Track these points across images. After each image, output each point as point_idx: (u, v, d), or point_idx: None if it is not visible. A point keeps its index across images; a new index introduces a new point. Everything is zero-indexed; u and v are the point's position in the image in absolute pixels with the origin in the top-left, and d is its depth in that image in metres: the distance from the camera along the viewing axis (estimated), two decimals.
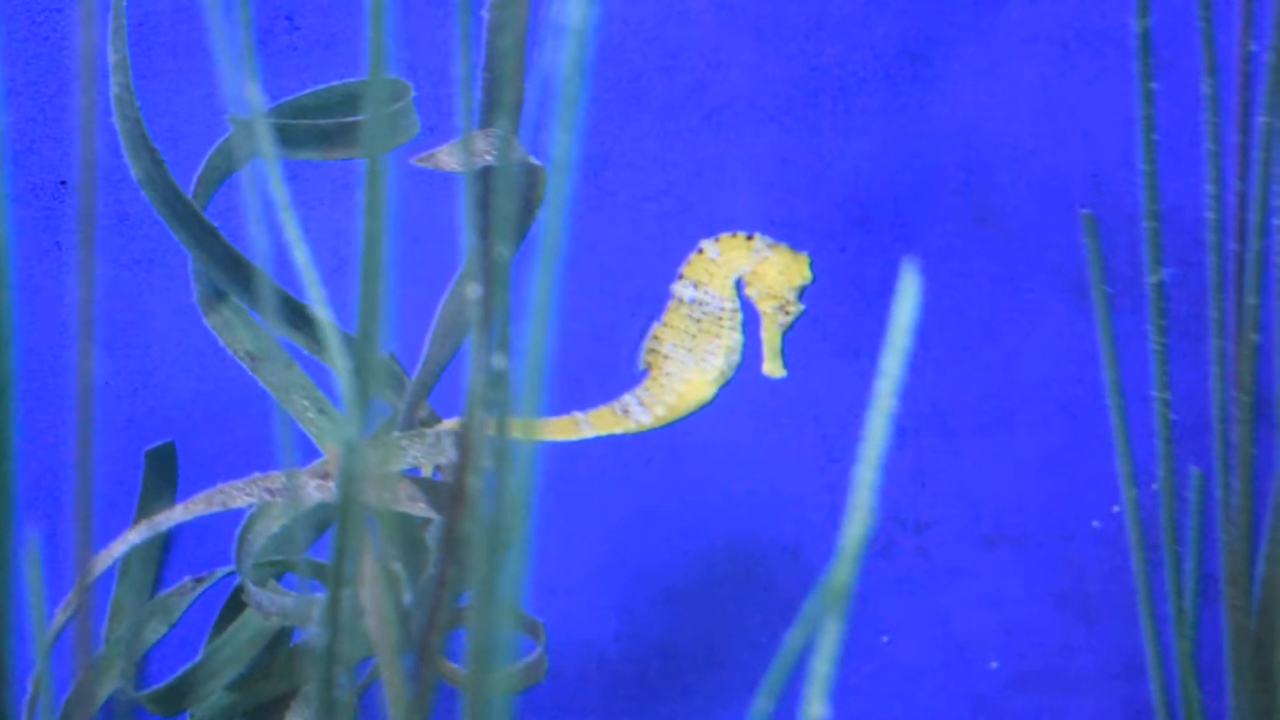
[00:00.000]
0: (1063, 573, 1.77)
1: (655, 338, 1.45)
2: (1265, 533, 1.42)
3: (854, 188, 1.80)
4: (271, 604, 1.39)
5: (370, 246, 1.11)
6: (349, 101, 1.49)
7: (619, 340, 1.80)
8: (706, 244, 1.43)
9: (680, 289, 1.43)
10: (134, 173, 1.41)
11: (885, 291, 1.81)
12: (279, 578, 1.51)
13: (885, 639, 1.79)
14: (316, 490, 1.32)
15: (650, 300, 1.81)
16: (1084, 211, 1.37)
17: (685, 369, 1.45)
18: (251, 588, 1.39)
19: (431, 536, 1.46)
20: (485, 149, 1.35)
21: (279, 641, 1.50)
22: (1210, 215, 1.39)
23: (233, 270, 1.43)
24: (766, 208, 1.80)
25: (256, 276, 1.44)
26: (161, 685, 1.48)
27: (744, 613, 1.80)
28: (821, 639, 0.92)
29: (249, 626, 1.47)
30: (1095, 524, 1.76)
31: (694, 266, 1.43)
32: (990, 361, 1.79)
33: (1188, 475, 1.35)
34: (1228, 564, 1.36)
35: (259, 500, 1.33)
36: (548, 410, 1.48)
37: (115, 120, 1.41)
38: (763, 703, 0.92)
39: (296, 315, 1.46)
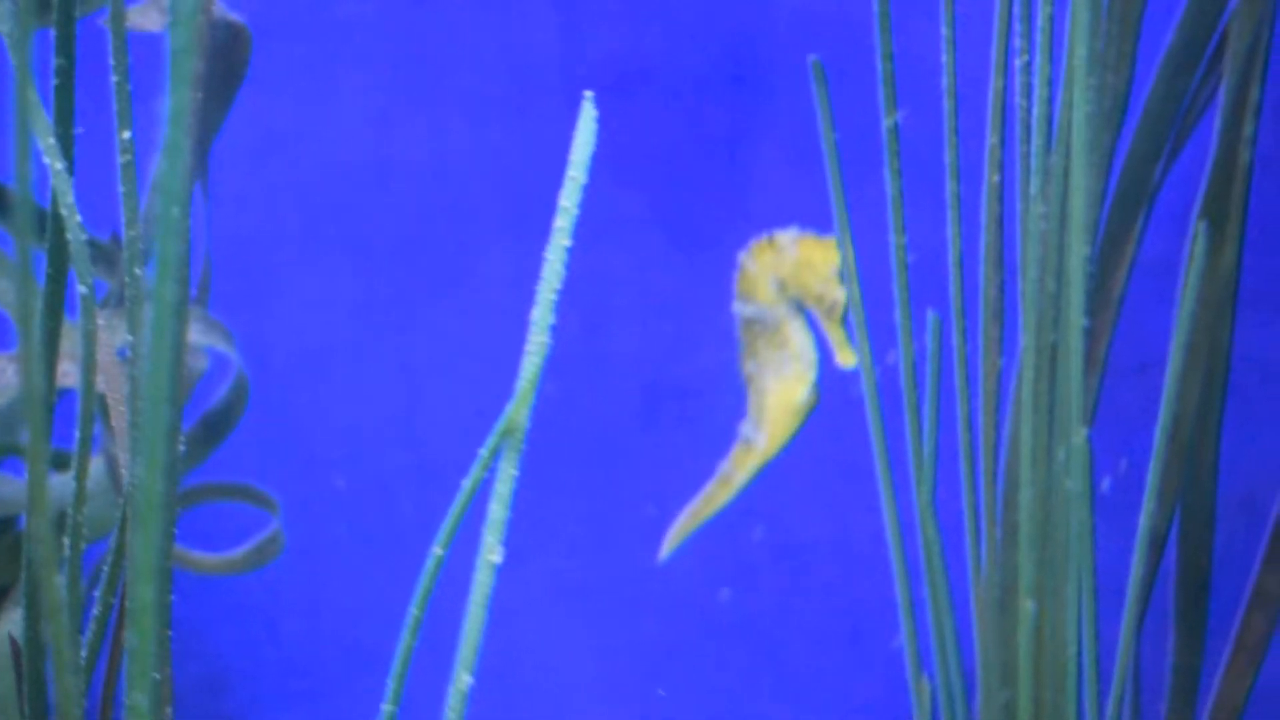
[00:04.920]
0: (827, 439, 1.75)
1: (742, 361, 1.45)
2: (1011, 385, 1.39)
3: (609, 53, 1.75)
4: None
5: (61, 115, 1.05)
6: None
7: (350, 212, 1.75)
8: (743, 256, 1.42)
9: (738, 308, 1.43)
10: None
11: (643, 158, 1.77)
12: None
13: (651, 510, 1.76)
14: (16, 376, 1.26)
15: (408, 171, 1.76)
16: (812, 58, 1.33)
17: (769, 381, 1.46)
18: None
19: None
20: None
21: (3, 531, 1.43)
22: (945, 58, 1.35)
23: None
24: (520, 74, 1.75)
25: None
26: None
27: None
28: (498, 481, 0.88)
29: None
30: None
31: (741, 284, 1.42)
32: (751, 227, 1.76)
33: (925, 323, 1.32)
34: (966, 413, 1.33)
35: None
36: None
37: None
38: (437, 551, 0.88)
39: None
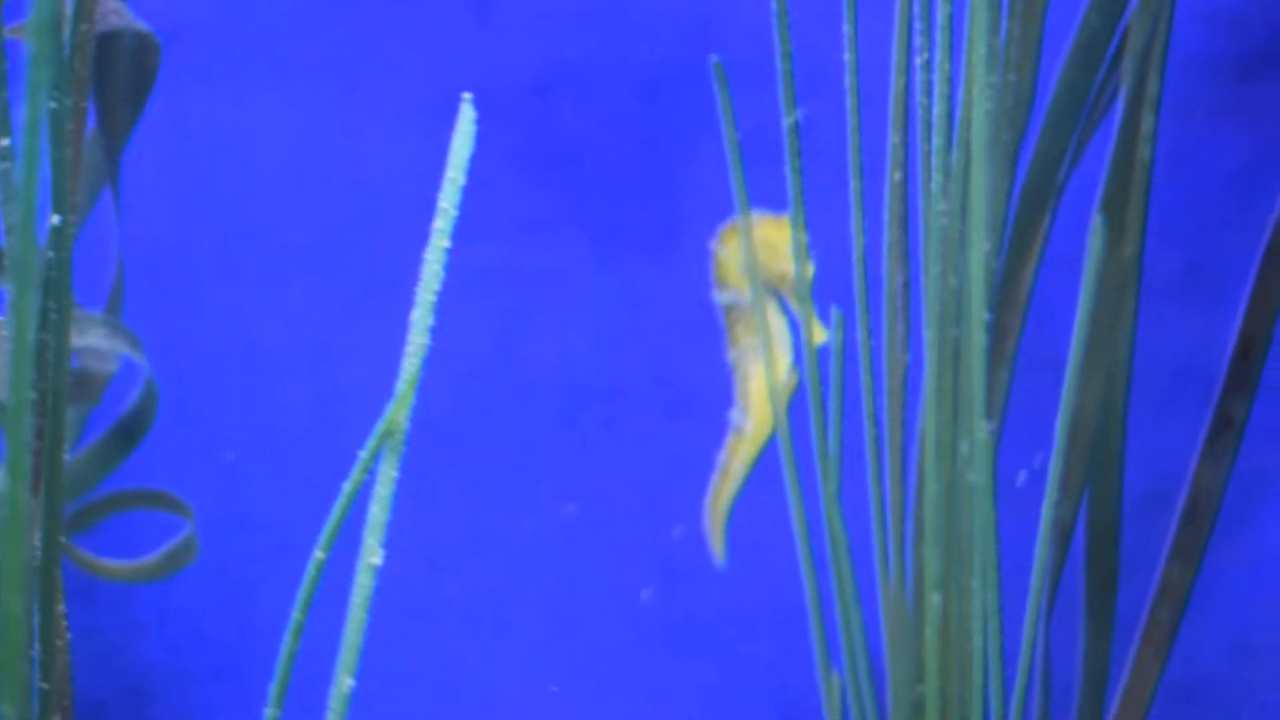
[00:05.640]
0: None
1: (727, 349, 1.47)
2: (920, 381, 1.40)
3: (530, 57, 1.75)
4: None
5: None
6: None
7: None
8: (713, 245, 1.44)
9: (716, 297, 1.44)
10: None
11: (565, 161, 1.78)
12: None
13: (571, 508, 1.77)
14: None
15: (310, 177, 1.76)
16: (713, 58, 1.33)
17: (750, 366, 1.47)
18: None
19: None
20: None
21: None
22: (847, 56, 1.36)
23: None
24: (440, 80, 1.75)
25: None
26: None
27: None
28: (378, 484, 0.89)
29: None
30: None
31: (716, 272, 1.44)
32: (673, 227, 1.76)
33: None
34: (871, 409, 1.34)
35: None
36: None
37: None
38: (319, 555, 0.88)
39: None
